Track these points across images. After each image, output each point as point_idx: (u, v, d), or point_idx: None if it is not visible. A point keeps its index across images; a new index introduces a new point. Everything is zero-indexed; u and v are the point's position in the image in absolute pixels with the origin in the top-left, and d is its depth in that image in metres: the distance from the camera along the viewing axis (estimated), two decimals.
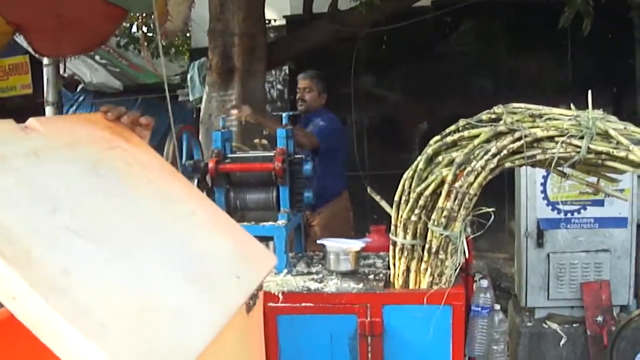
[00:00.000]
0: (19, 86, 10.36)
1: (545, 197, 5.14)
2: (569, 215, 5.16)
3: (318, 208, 5.39)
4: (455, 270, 3.41)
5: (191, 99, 7.16)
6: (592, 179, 3.45)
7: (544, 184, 5.13)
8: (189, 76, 7.25)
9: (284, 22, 8.74)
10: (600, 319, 5.12)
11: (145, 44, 10.53)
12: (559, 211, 5.16)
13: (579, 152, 3.18)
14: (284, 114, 4.11)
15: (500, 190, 6.65)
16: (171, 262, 1.48)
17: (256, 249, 1.92)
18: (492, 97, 7.55)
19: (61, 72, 6.81)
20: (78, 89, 9.78)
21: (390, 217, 3.53)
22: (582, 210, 5.16)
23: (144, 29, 10.79)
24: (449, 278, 3.39)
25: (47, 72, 6.83)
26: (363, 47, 8.11)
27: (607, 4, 6.09)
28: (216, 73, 5.88)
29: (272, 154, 3.87)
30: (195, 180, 3.92)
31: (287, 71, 8.82)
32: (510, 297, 6.11)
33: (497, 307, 3.58)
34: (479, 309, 3.49)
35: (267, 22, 7.30)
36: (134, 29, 10.67)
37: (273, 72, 8.94)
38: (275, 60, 6.42)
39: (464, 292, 3.42)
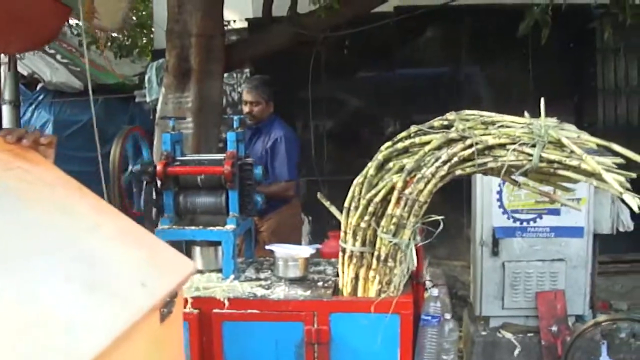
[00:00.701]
0: None
1: (501, 206, 5.12)
2: (524, 224, 5.14)
3: (267, 214, 5.31)
4: (404, 278, 3.36)
5: (148, 100, 7.06)
6: (547, 188, 3.42)
7: (499, 192, 5.11)
8: (147, 77, 7.14)
9: (245, 24, 8.67)
10: (554, 328, 5.10)
11: (109, 44, 10.46)
12: (515, 220, 5.15)
13: (530, 160, 3.14)
14: (234, 117, 4.03)
15: (458, 197, 6.61)
16: (68, 274, 1.44)
17: (171, 257, 1.89)
18: (452, 104, 7.48)
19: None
20: (38, 88, 9.65)
21: None
22: (538, 219, 5.14)
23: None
24: (398, 286, 3.35)
25: (4, 70, 6.72)
26: (323, 51, 8.03)
27: (568, 14, 6.08)
28: (173, 74, 5.78)
29: (222, 157, 3.79)
30: (144, 183, 3.85)
31: (248, 74, 8.74)
32: (466, 305, 6.08)
33: (448, 316, 3.54)
34: (429, 318, 3.45)
35: (227, 23, 7.23)
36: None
37: (234, 75, 8.86)
38: (234, 62, 6.31)
39: (413, 301, 3.37)
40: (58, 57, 10.49)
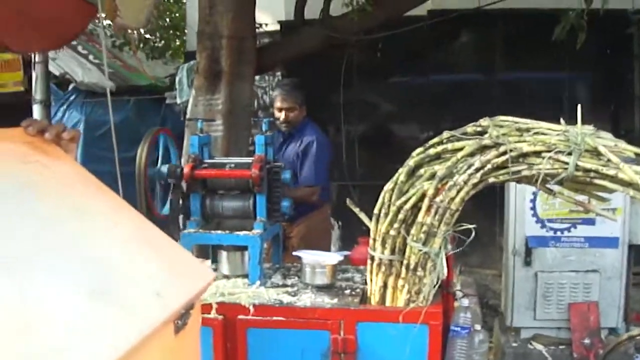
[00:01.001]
0: (10, 83, 10.16)
1: (535, 214, 5.01)
2: (558, 233, 5.03)
3: (297, 220, 5.16)
4: (434, 288, 3.27)
5: (179, 101, 7.03)
6: (582, 197, 3.32)
7: (533, 201, 4.99)
8: (177, 78, 7.10)
9: (277, 27, 8.62)
10: (587, 341, 4.98)
11: (142, 45, 10.47)
12: (549, 229, 5.03)
13: (566, 168, 3.05)
14: (264, 120, 3.97)
15: (491, 205, 6.50)
16: (76, 277, 1.36)
17: (190, 266, 1.81)
18: (486, 109, 7.37)
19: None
20: (69, 88, 9.65)
21: None
22: (572, 229, 5.02)
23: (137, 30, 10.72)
24: (427, 296, 3.26)
25: (36, 70, 6.72)
26: (355, 54, 7.97)
27: (604, 19, 5.95)
28: (203, 76, 5.73)
29: (250, 160, 3.73)
30: (171, 186, 3.80)
31: (280, 77, 8.69)
32: (497, 315, 5.97)
33: (478, 327, 3.46)
34: (459, 329, 3.37)
35: (259, 26, 7.19)
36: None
37: (266, 77, 8.81)
38: (265, 65, 6.26)
39: (442, 311, 3.29)
40: (90, 57, 10.48)
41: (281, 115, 5.31)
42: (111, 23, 4.26)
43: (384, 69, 8.87)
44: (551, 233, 5.04)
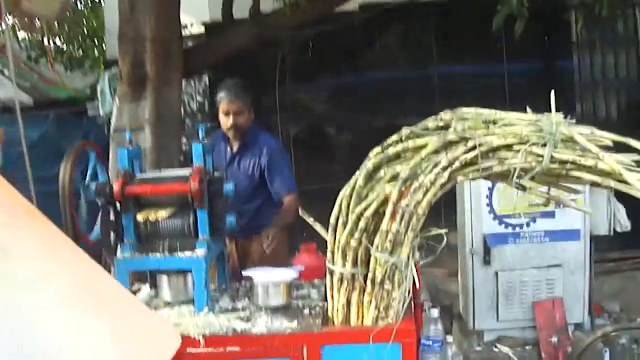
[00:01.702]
0: None
1: (492, 211, 4.76)
2: (517, 229, 4.80)
3: (255, 233, 4.57)
4: (404, 301, 2.94)
5: (101, 112, 6.60)
6: (555, 192, 3.05)
7: (489, 197, 4.73)
8: (99, 88, 6.68)
9: (202, 29, 8.21)
10: (555, 339, 4.76)
11: (58, 56, 9.95)
12: (507, 225, 4.78)
13: (540, 161, 2.77)
14: (200, 126, 3.58)
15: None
16: None
17: (151, 329, 1.39)
18: (425, 105, 7.14)
19: None
20: None
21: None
22: (531, 223, 4.81)
23: (54, 40, 10.23)
24: (397, 311, 2.92)
25: None
26: (288, 53, 7.63)
27: (541, 5, 5.75)
28: (127, 83, 5.34)
29: (188, 173, 3.35)
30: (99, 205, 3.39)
31: (207, 81, 8.30)
32: (453, 317, 5.70)
33: (450, 338, 3.17)
34: (430, 342, 3.08)
35: (183, 27, 6.79)
36: (46, 41, 10.09)
37: (192, 82, 8.40)
38: (192, 68, 5.88)
39: (414, 327, 2.96)
40: (5, 71, 9.94)
41: (228, 121, 4.64)
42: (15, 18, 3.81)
43: (316, 68, 8.53)
44: (510, 229, 4.81)
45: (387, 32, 8.56)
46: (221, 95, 4.70)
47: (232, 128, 4.65)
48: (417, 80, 8.50)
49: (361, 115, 8.50)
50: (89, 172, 3.48)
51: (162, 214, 3.27)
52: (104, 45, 10.57)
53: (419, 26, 8.40)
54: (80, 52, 10.67)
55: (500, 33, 6.07)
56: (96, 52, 11.28)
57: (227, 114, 4.65)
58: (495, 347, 4.90)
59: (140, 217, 3.23)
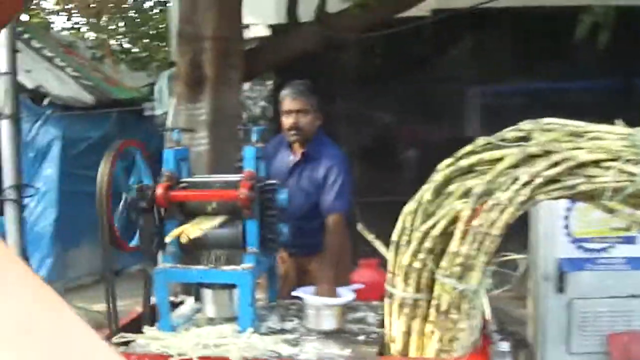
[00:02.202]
0: None
1: (568, 233, 4.36)
2: (595, 254, 4.39)
3: (316, 252, 4.04)
4: (474, 334, 2.60)
5: (158, 112, 6.38)
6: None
7: (566, 218, 4.34)
8: (157, 87, 6.48)
9: (268, 31, 7.96)
10: None
11: (123, 55, 9.84)
12: (584, 250, 4.38)
13: (633, 180, 2.41)
14: (254, 128, 3.29)
15: None
16: None
17: None
18: (498, 118, 6.76)
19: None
20: (45, 103, 8.99)
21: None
22: (610, 249, 4.39)
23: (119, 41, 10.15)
24: (464, 345, 2.59)
25: (3, 82, 6.08)
26: (353, 57, 7.34)
27: (628, 15, 5.36)
28: (184, 83, 5.09)
29: (238, 178, 3.06)
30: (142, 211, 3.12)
31: (272, 86, 8.04)
32: (519, 346, 5.31)
33: None
34: None
35: (246, 27, 6.53)
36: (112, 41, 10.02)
37: (256, 87, 8.16)
38: (254, 70, 5.63)
39: None
40: (68, 70, 9.86)
41: (290, 120, 4.12)
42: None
43: (383, 74, 8.19)
44: (587, 254, 4.40)
45: (460, 40, 8.20)
46: (284, 93, 4.23)
47: (294, 129, 4.11)
48: (489, 91, 8.12)
49: (429, 126, 8.16)
50: (132, 174, 3.21)
51: (207, 225, 2.99)
52: (170, 47, 10.44)
53: (494, 34, 8.01)
54: (146, 53, 10.54)
55: (581, 44, 5.68)
56: (162, 54, 11.16)
57: (289, 112, 4.14)
58: None
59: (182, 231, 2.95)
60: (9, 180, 4.97)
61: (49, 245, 8.82)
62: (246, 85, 8.21)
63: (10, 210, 4.97)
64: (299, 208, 3.78)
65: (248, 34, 6.92)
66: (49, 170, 8.84)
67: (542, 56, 7.62)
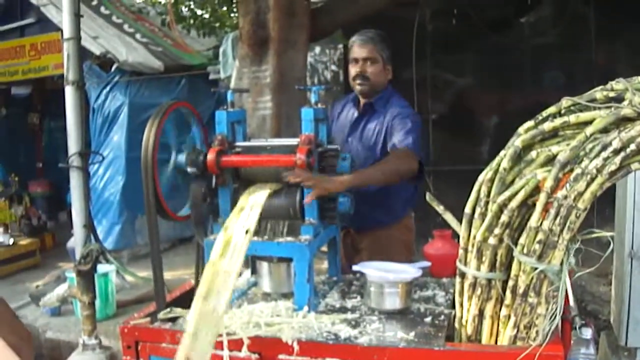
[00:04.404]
0: (51, 65, 9.56)
1: None
2: None
3: (369, 228, 3.78)
4: (552, 321, 2.31)
5: (222, 76, 6.20)
6: None
7: None
8: (221, 50, 6.31)
9: None
10: None
11: (192, 21, 9.66)
12: None
13: None
14: (313, 88, 3.01)
15: None
16: None
17: None
18: (582, 85, 6.35)
19: None
20: (113, 69, 8.91)
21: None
22: None
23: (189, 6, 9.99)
24: (543, 332, 2.30)
25: (66, 48, 5.94)
26: (427, 15, 6.97)
27: None
28: (247, 44, 4.90)
29: (295, 142, 2.81)
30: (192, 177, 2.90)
31: (342, 50, 7.76)
32: (600, 325, 4.99)
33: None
34: None
35: None
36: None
37: (327, 51, 7.89)
38: (320, 29, 5.38)
39: (562, 351, 2.32)
40: (137, 36, 9.77)
41: (357, 68, 3.73)
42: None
43: (460, 36, 7.79)
44: None
45: (542, 1, 7.76)
46: (352, 39, 3.79)
47: (359, 78, 3.72)
48: (573, 57, 7.66)
49: (509, 92, 7.75)
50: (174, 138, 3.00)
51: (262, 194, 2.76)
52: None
53: None
54: (211, 18, 10.36)
55: None
56: (231, 20, 10.97)
57: (355, 60, 3.75)
58: None
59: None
60: (73, 147, 4.85)
61: (117, 212, 8.79)
62: (317, 49, 7.95)
63: (75, 178, 4.86)
64: (359, 168, 3.31)
65: None
66: (117, 136, 8.77)
67: (626, 18, 7.16)
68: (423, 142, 3.68)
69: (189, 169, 2.84)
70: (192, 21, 9.31)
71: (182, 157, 2.87)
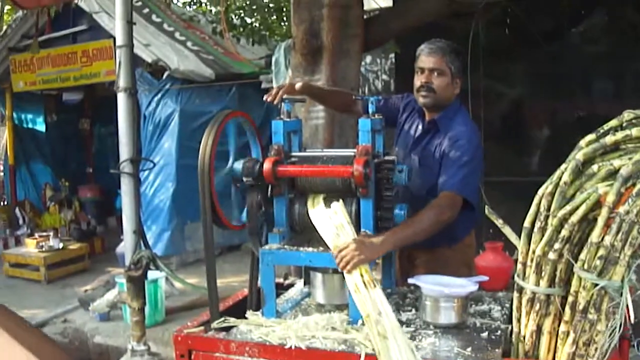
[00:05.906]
0: (103, 72, 9.70)
1: None
2: None
3: (427, 245, 3.32)
4: (612, 338, 2.26)
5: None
6: None
7: None
8: (274, 59, 6.32)
9: (389, 2, 7.65)
10: None
11: (241, 29, 9.72)
12: None
13: None
14: (370, 98, 3.00)
15: None
16: None
17: None
18: (635, 95, 6.24)
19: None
20: (164, 76, 8.99)
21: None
22: None
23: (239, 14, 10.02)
24: (602, 350, 2.25)
25: (119, 55, 6.00)
26: (481, 28, 6.90)
27: None
28: (300, 53, 4.90)
29: (352, 153, 2.81)
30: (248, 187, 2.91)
31: (393, 59, 7.72)
32: None
33: None
34: None
35: None
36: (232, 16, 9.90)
37: (378, 60, 7.87)
38: (374, 39, 5.35)
39: None
40: (188, 44, 9.89)
41: (422, 78, 3.50)
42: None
43: (514, 46, 7.68)
44: None
45: (594, 10, 7.62)
46: (420, 48, 3.57)
47: (424, 90, 3.49)
48: (631, 67, 7.50)
49: (564, 102, 7.60)
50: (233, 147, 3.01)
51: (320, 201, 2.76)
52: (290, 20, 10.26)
53: (629, 4, 7.40)
54: (261, 26, 10.39)
55: None
56: (282, 28, 11.01)
57: (422, 71, 3.51)
58: None
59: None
60: (125, 153, 4.89)
61: (167, 218, 8.87)
62: (368, 58, 7.93)
63: (126, 184, 4.90)
64: (418, 187, 3.32)
65: (368, 1, 6.64)
66: (167, 143, 8.85)
67: None
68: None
69: (245, 178, 2.85)
70: (242, 29, 9.33)
71: (238, 166, 2.87)
